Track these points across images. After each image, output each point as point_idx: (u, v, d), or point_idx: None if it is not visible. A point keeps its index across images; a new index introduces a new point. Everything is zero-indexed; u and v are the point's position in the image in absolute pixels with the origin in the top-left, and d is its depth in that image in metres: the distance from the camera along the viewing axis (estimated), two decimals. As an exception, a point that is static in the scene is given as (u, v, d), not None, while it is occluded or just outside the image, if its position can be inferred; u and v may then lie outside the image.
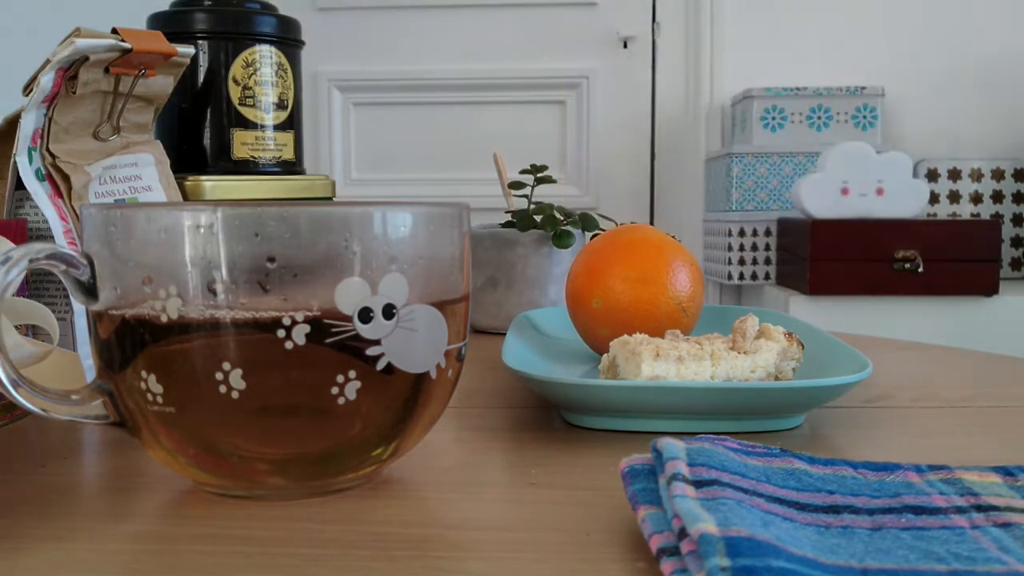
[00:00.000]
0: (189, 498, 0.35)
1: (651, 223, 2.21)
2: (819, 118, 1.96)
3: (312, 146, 2.24)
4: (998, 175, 2.02)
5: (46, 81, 0.49)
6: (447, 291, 0.34)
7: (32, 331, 0.49)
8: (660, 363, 0.44)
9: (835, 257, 1.67)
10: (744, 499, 0.28)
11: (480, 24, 2.23)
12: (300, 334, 0.30)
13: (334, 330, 0.31)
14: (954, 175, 2.03)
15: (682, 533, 0.26)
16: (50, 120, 0.51)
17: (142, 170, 0.56)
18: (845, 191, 1.71)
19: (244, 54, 0.73)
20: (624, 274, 0.56)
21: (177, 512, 0.33)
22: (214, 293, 0.30)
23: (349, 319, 0.31)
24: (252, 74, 0.73)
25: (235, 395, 0.30)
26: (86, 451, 0.42)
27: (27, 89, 0.50)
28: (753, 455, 0.32)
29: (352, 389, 0.31)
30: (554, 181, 0.81)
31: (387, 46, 2.25)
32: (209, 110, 0.73)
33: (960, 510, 0.29)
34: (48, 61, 0.49)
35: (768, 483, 0.30)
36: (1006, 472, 0.31)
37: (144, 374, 0.31)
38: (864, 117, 1.96)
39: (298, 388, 0.31)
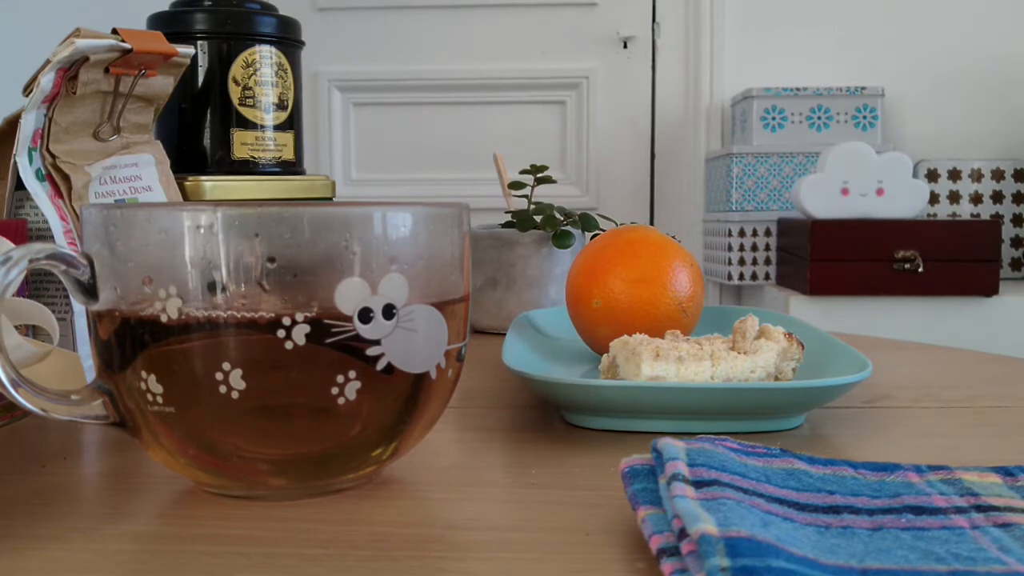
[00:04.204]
0: (189, 498, 0.35)
1: (651, 223, 2.21)
2: (819, 118, 1.96)
3: (312, 146, 2.24)
4: (998, 175, 2.02)
5: (46, 81, 0.49)
6: (447, 291, 0.34)
7: (32, 331, 0.49)
8: (660, 363, 0.44)
9: (835, 257, 1.67)
10: (744, 499, 0.28)
11: (480, 24, 2.23)
12: (300, 334, 0.30)
13: (334, 330, 0.31)
14: (954, 175, 2.03)
15: (682, 533, 0.26)
16: (50, 120, 0.51)
17: (142, 170, 0.56)
18: (845, 191, 1.71)
19: (244, 54, 0.73)
20: (624, 274, 0.56)
21: (177, 512, 0.33)
22: (214, 293, 0.30)
23: (349, 319, 0.31)
24: (252, 74, 0.73)
25: (235, 395, 0.31)
26: (86, 451, 0.42)
27: (27, 89, 0.50)
28: (753, 455, 0.32)
29: (352, 389, 0.31)
30: (554, 181, 0.81)
31: (387, 46, 2.25)
32: (209, 110, 0.73)
33: (960, 510, 0.29)
34: (48, 61, 0.49)
35: (768, 483, 0.30)
36: (1006, 472, 0.31)
37: (144, 374, 0.31)
38: (864, 117, 1.96)
39: (298, 388, 0.31)
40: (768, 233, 1.92)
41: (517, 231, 0.76)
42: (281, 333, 0.30)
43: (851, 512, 0.29)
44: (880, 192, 1.71)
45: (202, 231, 0.30)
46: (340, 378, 0.31)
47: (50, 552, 0.30)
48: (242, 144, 0.74)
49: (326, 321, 0.31)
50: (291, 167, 0.77)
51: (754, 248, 1.93)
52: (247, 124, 0.74)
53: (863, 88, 1.96)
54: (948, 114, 2.13)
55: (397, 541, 0.30)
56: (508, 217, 0.79)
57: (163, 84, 0.57)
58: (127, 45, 0.52)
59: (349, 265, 0.31)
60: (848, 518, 0.28)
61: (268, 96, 0.74)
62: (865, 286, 1.66)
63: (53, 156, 0.51)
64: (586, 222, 0.77)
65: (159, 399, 0.31)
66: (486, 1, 2.22)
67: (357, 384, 0.31)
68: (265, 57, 0.74)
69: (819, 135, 1.96)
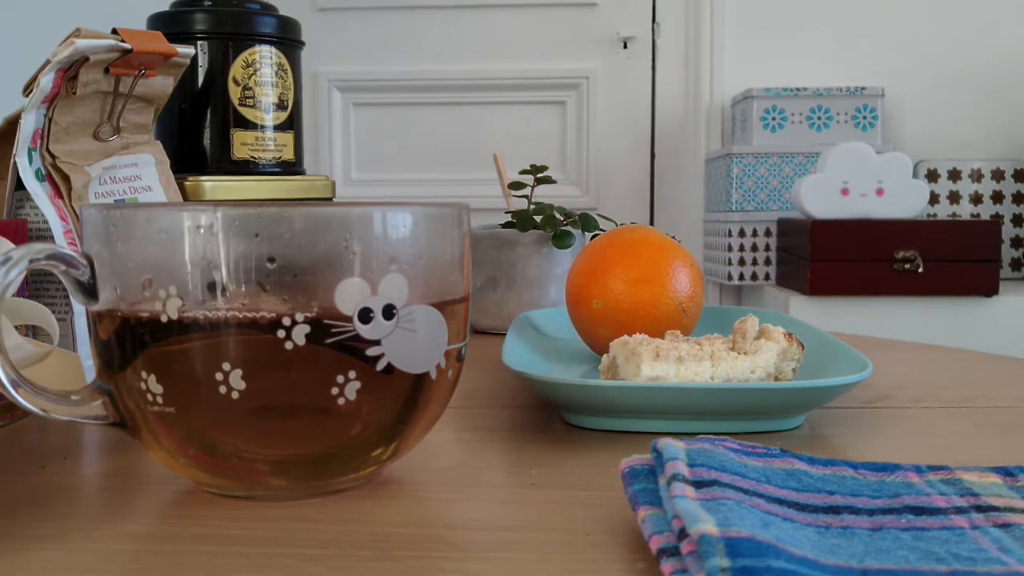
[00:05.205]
0: (189, 498, 0.35)
1: (651, 223, 2.21)
2: (819, 118, 1.96)
3: (312, 146, 2.24)
4: (998, 175, 2.02)
5: (46, 81, 0.49)
6: (447, 291, 0.34)
7: (32, 331, 0.49)
8: (660, 364, 0.44)
9: (835, 257, 1.67)
10: (744, 500, 0.28)
11: (480, 24, 2.23)
12: (300, 334, 0.30)
13: (334, 330, 0.31)
14: (954, 175, 2.03)
15: (682, 534, 0.26)
16: (50, 120, 0.51)
17: (142, 170, 0.56)
18: (845, 191, 1.71)
19: (244, 54, 0.73)
20: (624, 274, 0.56)
21: (177, 512, 0.33)
22: (214, 293, 0.30)
23: (349, 319, 0.31)
24: (252, 74, 0.73)
25: (235, 395, 0.31)
26: (86, 451, 0.42)
27: (27, 89, 0.50)
28: (753, 455, 0.32)
29: (352, 389, 0.31)
30: (554, 181, 0.81)
31: (387, 46, 2.25)
32: (209, 110, 0.73)
33: (960, 510, 0.29)
34: (48, 61, 0.49)
35: (768, 484, 0.30)
36: (1006, 472, 0.31)
37: (144, 374, 0.31)
38: (864, 117, 1.96)
39: (298, 388, 0.31)
40: (768, 233, 1.92)
41: (517, 231, 0.76)
42: (281, 333, 0.30)
43: (851, 512, 0.29)
44: (880, 192, 1.71)
45: (202, 231, 0.30)
46: (340, 378, 0.31)
47: (50, 552, 0.30)
48: (242, 144, 0.74)
49: (326, 321, 0.31)
50: (291, 167, 0.77)
51: (754, 248, 1.93)
52: (247, 124, 0.74)
53: (863, 88, 1.96)
54: (948, 114, 2.13)
55: (397, 541, 0.30)
56: (508, 217, 0.79)
57: (163, 84, 0.57)
58: (127, 45, 0.52)
59: (349, 265, 0.31)
60: (848, 518, 0.28)
61: (268, 96, 0.74)
62: (865, 286, 1.66)
63: (53, 156, 0.51)
64: (586, 222, 0.77)
65: (159, 399, 0.31)
66: (486, 1, 2.22)
67: (357, 384, 0.31)
68: (265, 57, 0.74)
69: (819, 135, 1.95)
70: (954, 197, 2.03)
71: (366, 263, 0.31)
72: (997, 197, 2.02)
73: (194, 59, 0.72)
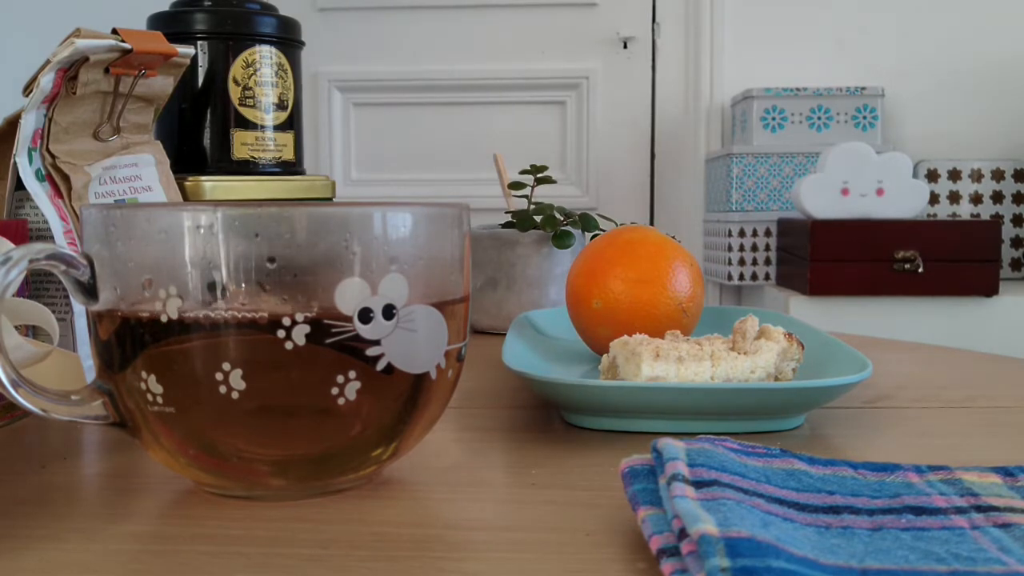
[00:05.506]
0: (189, 498, 0.35)
1: (651, 223, 2.21)
2: (819, 118, 1.96)
3: (312, 146, 2.23)
4: (998, 175, 2.02)
5: (46, 81, 0.49)
6: (447, 291, 0.34)
7: (32, 331, 0.49)
8: (660, 364, 0.44)
9: (835, 257, 1.67)
10: (744, 500, 0.28)
11: (480, 24, 2.23)
12: (300, 334, 0.30)
13: (334, 330, 0.31)
14: (954, 175, 2.03)
15: (682, 534, 0.26)
16: (50, 120, 0.51)
17: (142, 170, 0.56)
18: (845, 191, 1.71)
19: (244, 54, 0.73)
20: (624, 275, 0.56)
21: (177, 512, 0.33)
22: (214, 293, 0.30)
23: (349, 319, 0.31)
24: (252, 74, 0.73)
25: (235, 395, 0.31)
26: (86, 451, 0.42)
27: (27, 89, 0.50)
28: (753, 455, 0.32)
29: (352, 389, 0.31)
30: (554, 181, 0.81)
31: (387, 46, 2.25)
32: (209, 110, 0.73)
33: (960, 510, 0.29)
34: (48, 61, 0.49)
35: (768, 484, 0.30)
36: (1006, 472, 0.31)
37: (144, 374, 0.31)
38: (864, 117, 1.96)
39: (298, 388, 0.31)
40: (768, 233, 1.92)
41: (517, 231, 0.76)
42: (281, 333, 0.30)
43: (851, 512, 0.29)
44: (880, 192, 1.71)
45: (202, 231, 0.30)
46: (340, 378, 0.31)
47: (50, 552, 0.30)
48: (242, 144, 0.74)
49: (326, 321, 0.31)
50: (291, 167, 0.77)
51: (754, 248, 1.93)
52: (247, 124, 0.74)
53: (863, 88, 1.96)
54: (948, 114, 2.13)
55: (397, 541, 0.30)
56: (508, 217, 0.79)
57: (163, 84, 0.57)
58: (127, 45, 0.52)
59: (349, 265, 0.31)
60: (848, 518, 0.28)
61: (268, 96, 0.74)
62: (865, 286, 1.66)
63: (53, 156, 0.51)
64: (586, 222, 0.77)
65: (159, 399, 0.31)
66: (486, 1, 2.22)
67: (357, 384, 0.31)
68: (265, 57, 0.74)
69: (819, 135, 1.95)
70: (954, 197, 2.03)
71: (366, 263, 0.31)
72: (997, 197, 2.02)
73: (194, 59, 0.72)
